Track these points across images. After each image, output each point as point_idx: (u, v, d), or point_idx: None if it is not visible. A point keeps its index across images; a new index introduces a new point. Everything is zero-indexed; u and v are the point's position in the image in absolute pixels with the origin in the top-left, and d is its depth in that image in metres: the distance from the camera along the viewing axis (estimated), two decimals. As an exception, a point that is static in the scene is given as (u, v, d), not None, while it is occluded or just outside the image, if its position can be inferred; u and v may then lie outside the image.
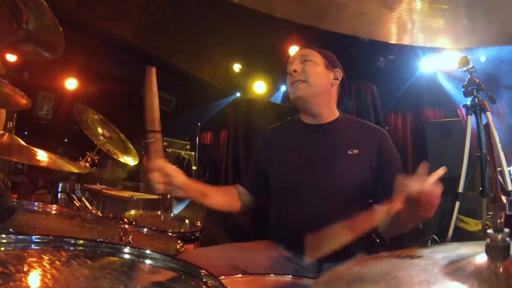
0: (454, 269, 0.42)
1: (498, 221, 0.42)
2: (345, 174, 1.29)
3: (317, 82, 1.33)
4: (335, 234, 0.90)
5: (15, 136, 1.51)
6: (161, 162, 1.16)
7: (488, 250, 0.42)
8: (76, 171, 1.54)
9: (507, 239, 0.41)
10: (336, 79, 1.39)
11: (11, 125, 1.53)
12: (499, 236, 0.41)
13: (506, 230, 0.41)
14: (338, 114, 1.42)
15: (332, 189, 1.29)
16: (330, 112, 1.40)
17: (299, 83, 1.33)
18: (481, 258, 0.43)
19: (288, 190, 1.35)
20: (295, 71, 1.33)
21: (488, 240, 0.42)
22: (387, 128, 2.72)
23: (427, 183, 0.93)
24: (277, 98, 6.07)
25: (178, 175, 1.19)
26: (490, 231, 0.42)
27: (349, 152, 1.31)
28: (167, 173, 1.16)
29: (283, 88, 6.14)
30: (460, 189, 2.28)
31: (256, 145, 1.53)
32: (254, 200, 1.48)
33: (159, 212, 2.24)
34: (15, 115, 1.60)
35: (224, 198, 1.43)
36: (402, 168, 1.33)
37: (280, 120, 1.55)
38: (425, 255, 0.48)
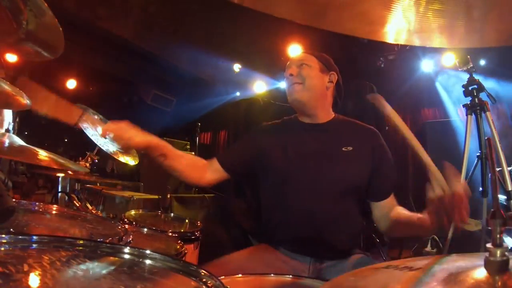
0: (453, 282, 0.42)
1: (497, 236, 0.42)
2: (339, 171, 1.33)
3: (313, 84, 1.39)
4: None
5: (16, 136, 1.50)
6: (114, 124, 1.23)
7: (487, 264, 0.42)
8: (77, 169, 1.54)
9: (506, 253, 0.41)
10: (331, 82, 1.45)
11: (11, 126, 1.53)
12: (498, 251, 0.41)
13: (505, 245, 0.42)
14: (333, 115, 1.48)
15: (327, 186, 1.31)
16: (325, 113, 1.45)
17: (296, 85, 1.39)
18: (480, 272, 0.43)
19: (284, 186, 1.36)
20: (291, 74, 1.40)
21: (487, 254, 0.42)
22: (387, 128, 2.72)
23: (458, 185, 0.88)
24: (274, 97, 5.99)
25: (135, 135, 1.24)
26: (489, 245, 0.42)
27: (343, 149, 1.34)
28: (123, 133, 1.23)
29: (282, 86, 6.14)
30: (460, 189, 2.27)
31: (252, 133, 1.54)
32: (223, 178, 1.44)
33: (159, 212, 2.25)
34: (17, 119, 1.60)
35: (187, 165, 1.40)
36: (400, 168, 1.35)
37: (280, 119, 1.57)
38: (424, 267, 0.48)
